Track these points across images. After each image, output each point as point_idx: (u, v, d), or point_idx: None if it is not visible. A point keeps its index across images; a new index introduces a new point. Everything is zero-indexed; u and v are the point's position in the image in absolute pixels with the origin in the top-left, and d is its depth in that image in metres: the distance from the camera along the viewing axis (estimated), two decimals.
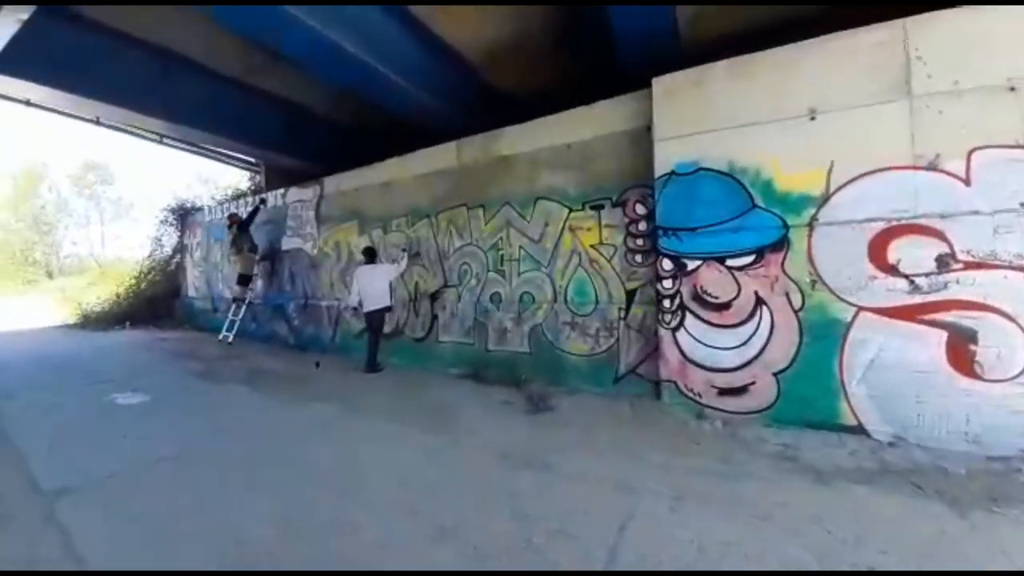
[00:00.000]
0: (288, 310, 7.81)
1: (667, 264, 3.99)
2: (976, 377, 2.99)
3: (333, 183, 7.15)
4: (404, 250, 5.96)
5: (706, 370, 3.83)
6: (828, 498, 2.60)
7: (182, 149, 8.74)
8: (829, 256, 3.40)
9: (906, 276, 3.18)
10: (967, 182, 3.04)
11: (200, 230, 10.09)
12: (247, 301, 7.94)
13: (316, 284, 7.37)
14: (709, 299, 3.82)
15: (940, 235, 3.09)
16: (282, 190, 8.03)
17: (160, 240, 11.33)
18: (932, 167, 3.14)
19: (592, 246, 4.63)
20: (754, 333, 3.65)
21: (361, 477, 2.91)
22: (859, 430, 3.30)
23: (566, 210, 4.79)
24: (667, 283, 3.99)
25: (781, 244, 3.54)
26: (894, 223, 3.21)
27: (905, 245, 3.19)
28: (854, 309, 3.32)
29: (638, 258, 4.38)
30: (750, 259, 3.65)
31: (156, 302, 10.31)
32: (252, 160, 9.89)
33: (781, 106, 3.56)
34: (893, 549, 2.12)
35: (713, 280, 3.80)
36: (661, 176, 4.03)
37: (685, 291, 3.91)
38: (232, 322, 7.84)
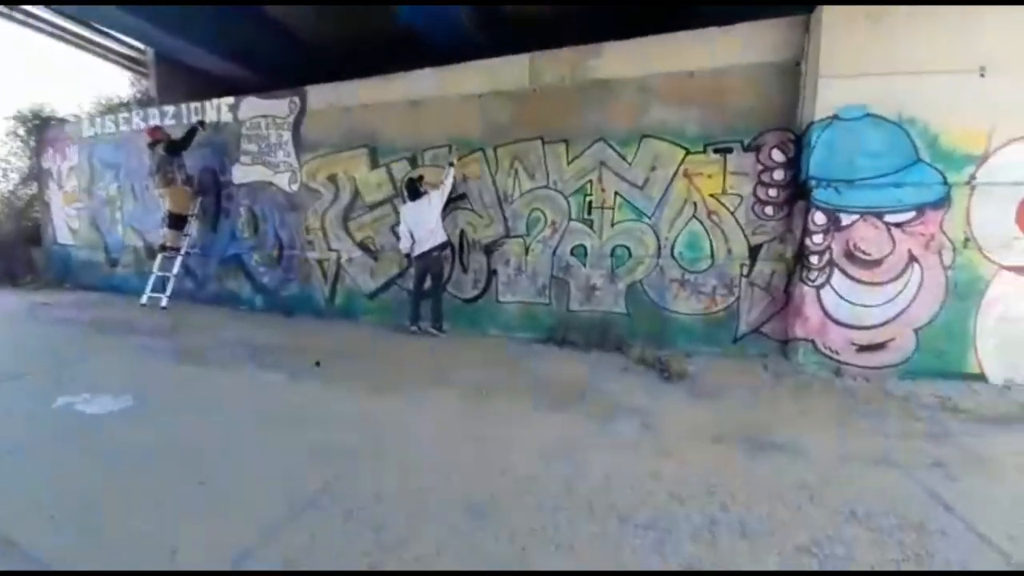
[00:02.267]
0: (249, 264, 5.94)
1: (819, 218, 3.78)
2: None
3: (324, 95, 5.36)
4: (450, 164, 4.77)
5: (848, 328, 3.82)
6: (1001, 435, 2.77)
7: (28, 25, 5.70)
8: (982, 216, 3.51)
9: None
10: None
11: (74, 150, 6.96)
12: (182, 251, 5.81)
13: (298, 230, 5.66)
14: (861, 256, 3.74)
15: None
16: (229, 100, 5.81)
17: (6, 163, 7.57)
18: None
19: (712, 195, 4.20)
20: (902, 291, 3.70)
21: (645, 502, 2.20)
22: (980, 377, 3.63)
23: (682, 152, 4.23)
24: (817, 238, 3.81)
25: (942, 202, 3.55)
26: None
27: None
28: (996, 267, 3.52)
29: (768, 210, 4.10)
30: (910, 215, 3.62)
31: (4, 252, 7.02)
32: (136, 53, 6.98)
33: (956, 57, 3.44)
34: None
35: (869, 236, 3.71)
36: (821, 120, 3.70)
37: (836, 247, 3.78)
38: (162, 279, 5.71)
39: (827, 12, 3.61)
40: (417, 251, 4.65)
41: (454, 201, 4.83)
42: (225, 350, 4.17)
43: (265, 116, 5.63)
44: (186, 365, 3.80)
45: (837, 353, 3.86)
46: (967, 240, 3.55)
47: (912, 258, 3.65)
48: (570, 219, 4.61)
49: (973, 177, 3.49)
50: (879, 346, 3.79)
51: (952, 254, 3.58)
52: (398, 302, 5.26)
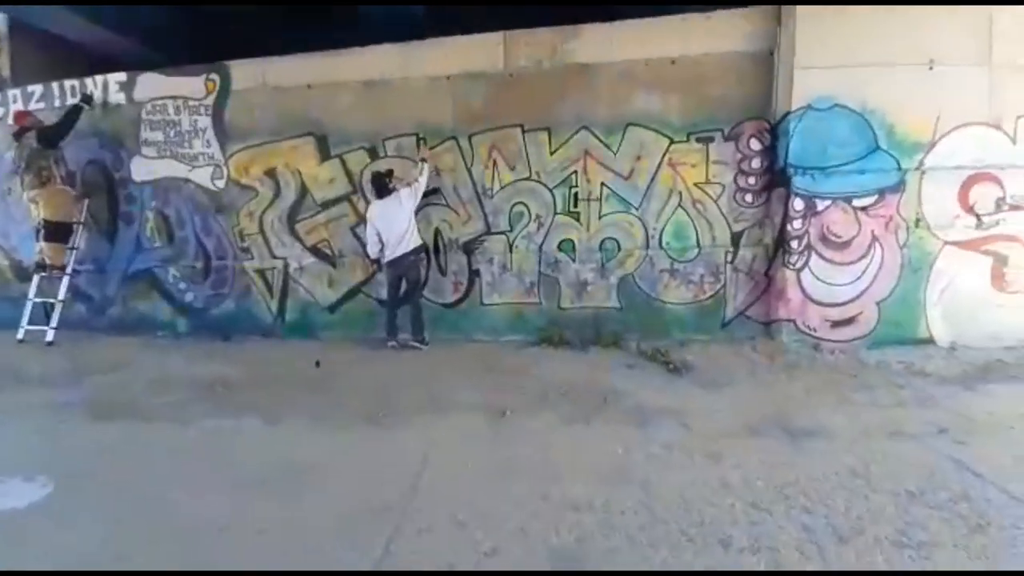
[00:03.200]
0: (165, 279, 4.90)
1: (798, 204, 3.98)
2: (1004, 290, 4.05)
3: (252, 73, 4.51)
4: (423, 160, 4.27)
5: (823, 306, 4.12)
6: (983, 391, 3.19)
7: None
8: (930, 197, 3.94)
9: (976, 215, 3.96)
10: (1014, 140, 3.88)
11: None
12: (68, 269, 4.60)
13: (226, 235, 4.76)
14: (833, 238, 4.02)
15: (999, 182, 3.92)
16: (119, 76, 4.65)
17: None
18: (994, 126, 3.88)
19: (696, 184, 4.24)
20: (866, 269, 4.05)
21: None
22: (930, 342, 4.12)
23: (666, 140, 4.20)
24: (796, 224, 4.01)
25: (899, 186, 3.92)
26: (974, 171, 3.90)
27: (978, 189, 3.93)
28: (941, 243, 4.00)
29: (748, 198, 4.24)
30: (872, 199, 3.94)
31: None
32: None
33: (909, 52, 3.77)
34: None
35: (839, 220, 3.99)
36: (797, 110, 3.87)
37: (813, 231, 4.01)
38: (43, 306, 4.49)
39: (801, 5, 3.75)
40: (389, 256, 4.13)
41: (426, 196, 4.34)
42: (160, 394, 3.35)
43: (173, 97, 4.60)
44: (114, 421, 2.97)
45: (815, 330, 4.14)
46: (918, 220, 3.96)
47: (874, 238, 4.00)
48: (556, 212, 4.39)
49: (922, 163, 3.89)
50: (849, 320, 4.13)
51: (906, 233, 3.98)
52: (365, 313, 4.67)
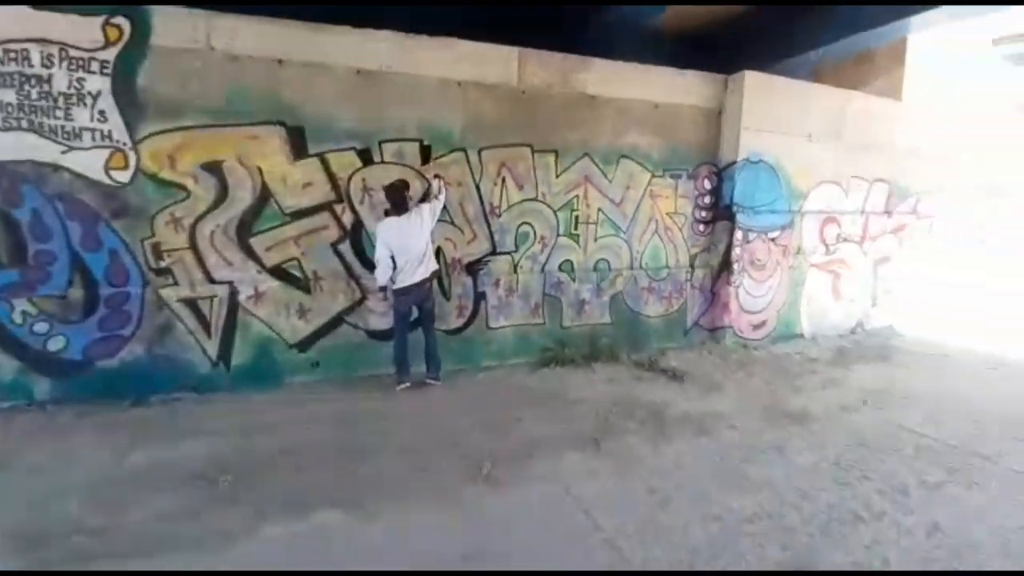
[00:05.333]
0: (10, 320, 3.13)
1: (739, 235, 5.08)
2: (838, 298, 5.98)
3: (190, 28, 3.29)
4: (437, 176, 3.89)
5: (749, 313, 5.35)
6: (854, 370, 4.72)
7: None
8: (805, 232, 5.53)
9: (826, 245, 5.75)
10: (846, 194, 5.79)
11: None
12: None
13: (129, 251, 3.35)
14: (756, 262, 5.26)
15: (838, 222, 5.78)
16: None
17: None
18: (838, 183, 5.71)
19: (668, 214, 4.98)
20: (773, 285, 5.43)
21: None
22: (801, 335, 5.79)
23: (648, 174, 4.81)
24: (737, 251, 5.11)
25: (792, 223, 5.38)
26: (827, 214, 5.66)
27: (829, 227, 5.72)
28: (809, 265, 5.66)
29: (701, 227, 5.19)
30: (779, 232, 5.33)
31: None
32: None
33: (799, 126, 5.23)
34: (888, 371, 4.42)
35: (760, 248, 5.25)
36: (741, 160, 4.93)
37: (746, 256, 5.18)
38: None
39: (749, 76, 4.80)
40: (403, 282, 3.60)
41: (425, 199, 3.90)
42: (137, 506, 2.21)
43: (42, 41, 2.97)
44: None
45: (743, 333, 5.34)
46: (799, 248, 5.51)
47: (777, 262, 5.39)
48: (558, 234, 4.53)
49: (802, 207, 5.43)
50: (763, 324, 5.47)
51: (793, 258, 5.48)
52: (349, 348, 3.93)
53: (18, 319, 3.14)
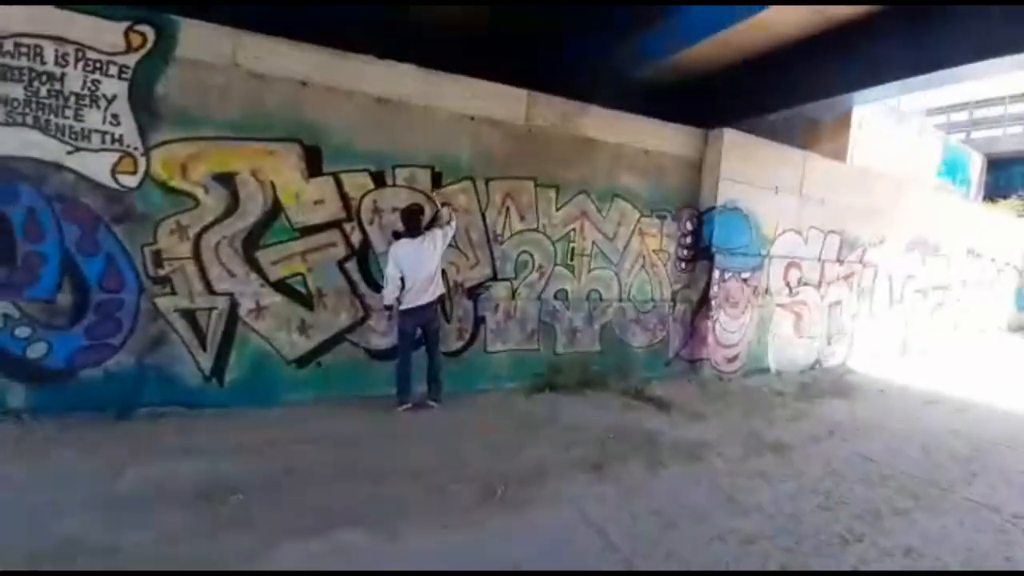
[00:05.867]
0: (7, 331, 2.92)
1: (716, 274, 5.49)
2: (800, 336, 6.51)
3: (217, 42, 3.34)
4: (446, 204, 4.04)
5: (724, 347, 5.73)
6: (817, 404, 5.13)
7: None
8: (772, 275, 6.06)
9: (789, 287, 6.30)
10: (806, 242, 6.41)
11: None
12: None
13: (127, 257, 3.24)
14: (731, 300, 5.68)
15: (799, 267, 6.37)
16: None
17: None
18: (799, 232, 6.33)
19: (654, 251, 5.33)
20: (745, 322, 5.86)
21: None
22: (767, 369, 6.23)
23: (638, 213, 5.17)
24: (715, 289, 5.51)
25: (761, 266, 5.89)
26: (790, 259, 6.23)
27: (791, 271, 6.29)
28: (775, 305, 6.16)
29: (682, 265, 5.58)
30: (750, 274, 5.80)
31: None
32: None
33: (767, 180, 5.82)
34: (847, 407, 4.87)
35: (735, 287, 5.69)
36: (720, 206, 5.40)
37: (722, 294, 5.58)
38: None
39: (727, 133, 5.35)
40: (411, 303, 3.65)
41: (433, 224, 4.02)
42: (134, 527, 2.09)
43: (60, 40, 2.93)
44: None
45: (719, 365, 5.69)
46: (767, 289, 6.00)
47: (748, 301, 5.85)
48: (555, 264, 4.74)
49: (770, 252, 5.96)
50: (735, 358, 5.85)
51: (761, 298, 5.96)
52: (349, 366, 3.89)
53: (16, 332, 2.93)
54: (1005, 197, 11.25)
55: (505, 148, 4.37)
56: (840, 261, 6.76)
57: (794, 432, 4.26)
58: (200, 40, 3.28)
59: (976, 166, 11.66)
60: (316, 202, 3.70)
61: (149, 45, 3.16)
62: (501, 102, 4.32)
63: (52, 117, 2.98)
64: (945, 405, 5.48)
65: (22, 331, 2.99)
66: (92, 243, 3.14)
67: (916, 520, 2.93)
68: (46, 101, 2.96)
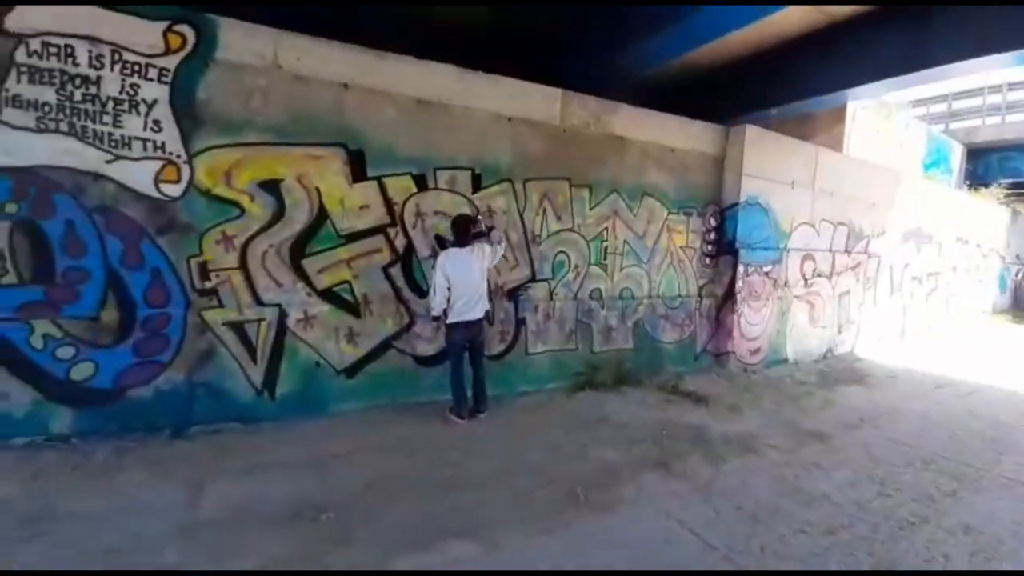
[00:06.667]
0: (29, 345, 2.75)
1: (741, 269, 5.59)
2: (814, 326, 6.70)
3: (258, 44, 3.21)
4: (493, 227, 4.03)
5: (748, 340, 5.85)
6: (838, 391, 5.30)
7: None
8: (790, 267, 6.21)
9: (805, 279, 6.46)
10: (818, 234, 6.59)
11: None
12: None
13: (173, 270, 3.11)
14: (754, 293, 5.80)
15: (814, 259, 6.54)
16: None
17: None
18: (812, 225, 6.49)
19: (681, 247, 5.40)
20: (766, 314, 6.00)
21: None
22: (786, 360, 6.40)
23: (666, 211, 5.22)
24: (739, 283, 5.61)
25: (780, 259, 6.02)
26: (805, 252, 6.39)
27: (807, 263, 6.45)
28: (792, 297, 6.32)
29: (707, 260, 5.66)
30: (771, 267, 5.93)
31: None
32: None
33: (784, 174, 5.94)
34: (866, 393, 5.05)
35: (757, 281, 5.80)
36: (743, 202, 5.49)
37: (746, 288, 5.69)
38: None
39: (749, 130, 5.42)
40: (459, 317, 3.57)
41: (479, 237, 3.98)
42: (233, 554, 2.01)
43: (93, 40, 2.76)
44: None
45: (743, 358, 5.81)
46: (786, 281, 6.15)
47: (769, 293, 5.98)
48: (589, 263, 4.75)
49: (787, 245, 6.10)
50: (758, 350, 5.98)
51: (781, 290, 6.10)
52: (396, 374, 3.83)
53: (38, 343, 2.77)
54: (985, 185, 11.78)
55: (541, 148, 4.34)
56: (848, 252, 6.97)
57: (827, 420, 4.38)
58: (241, 41, 3.14)
59: (957, 155, 12.17)
60: (361, 207, 3.61)
61: (189, 47, 3.01)
62: (537, 102, 4.28)
63: (89, 123, 2.82)
64: (953, 388, 5.71)
65: (64, 351, 2.84)
66: (136, 256, 2.99)
67: (963, 499, 3.06)
68: (81, 106, 2.79)
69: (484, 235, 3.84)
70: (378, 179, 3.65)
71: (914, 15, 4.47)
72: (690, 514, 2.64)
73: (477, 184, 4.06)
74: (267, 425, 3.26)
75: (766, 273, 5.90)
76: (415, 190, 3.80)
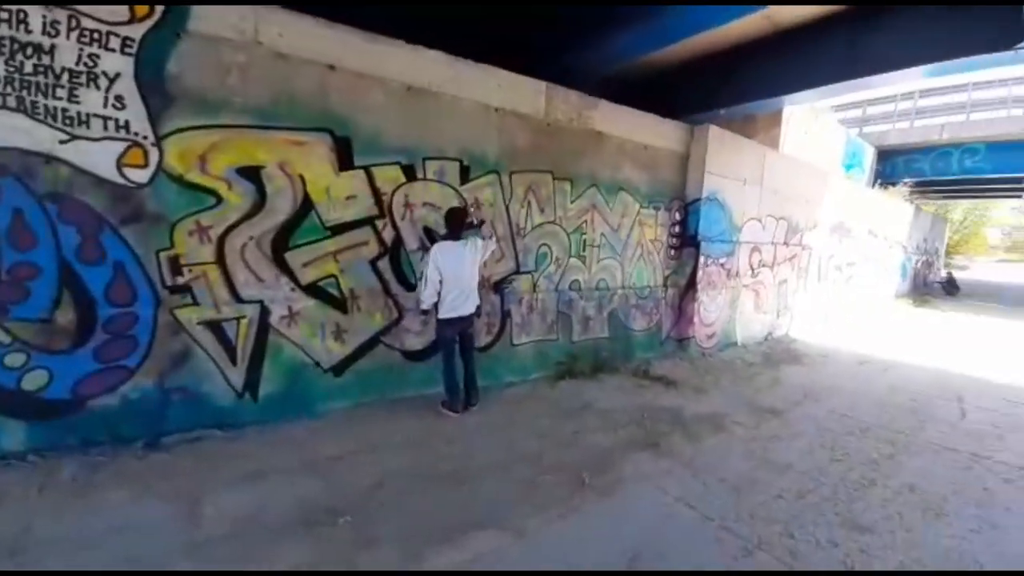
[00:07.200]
0: None
1: (702, 260, 5.99)
2: (758, 312, 7.35)
3: (236, 17, 2.92)
4: (483, 221, 4.01)
5: (706, 326, 6.31)
6: (782, 371, 5.93)
7: None
8: (740, 259, 6.75)
9: (752, 269, 7.06)
10: (763, 228, 7.20)
11: None
12: None
13: (139, 264, 2.81)
14: (712, 283, 6.25)
15: (760, 251, 7.15)
16: None
17: None
18: (759, 220, 7.09)
19: (650, 240, 5.68)
20: (720, 302, 6.50)
21: None
22: (736, 343, 6.99)
23: (637, 205, 5.45)
24: (699, 273, 6.02)
25: (733, 251, 6.52)
26: (753, 244, 6.97)
27: (754, 255, 7.04)
28: (742, 285, 6.89)
29: (672, 252, 6.01)
30: (725, 259, 6.41)
31: None
32: None
33: (738, 172, 6.41)
34: (806, 371, 5.74)
35: (714, 271, 6.26)
36: (704, 197, 5.87)
37: (705, 278, 6.12)
38: None
39: (712, 129, 5.77)
40: (451, 313, 3.54)
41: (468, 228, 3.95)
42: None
43: (44, 4, 2.38)
44: None
45: (701, 342, 6.28)
46: (737, 272, 6.68)
47: (723, 283, 6.48)
48: (569, 255, 4.87)
49: (738, 239, 6.62)
50: (713, 335, 6.48)
51: (733, 279, 6.63)
52: (384, 369, 3.74)
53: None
54: (893, 184, 13.39)
55: (527, 141, 4.35)
56: (787, 244, 7.68)
57: (778, 397, 4.88)
58: (217, 12, 2.84)
59: (869, 157, 13.71)
60: (347, 198, 3.44)
61: (157, 15, 2.68)
62: (524, 94, 4.27)
63: (40, 98, 2.44)
64: (873, 365, 6.55)
65: (13, 359, 2.49)
66: (95, 249, 2.66)
67: (902, 462, 3.56)
68: (32, 78, 2.41)
69: (475, 228, 3.82)
70: (366, 168, 3.49)
71: (849, 27, 4.94)
72: (684, 489, 2.87)
73: (465, 175, 4.01)
74: (250, 429, 3.08)
75: (721, 264, 6.37)
76: (404, 180, 3.68)
